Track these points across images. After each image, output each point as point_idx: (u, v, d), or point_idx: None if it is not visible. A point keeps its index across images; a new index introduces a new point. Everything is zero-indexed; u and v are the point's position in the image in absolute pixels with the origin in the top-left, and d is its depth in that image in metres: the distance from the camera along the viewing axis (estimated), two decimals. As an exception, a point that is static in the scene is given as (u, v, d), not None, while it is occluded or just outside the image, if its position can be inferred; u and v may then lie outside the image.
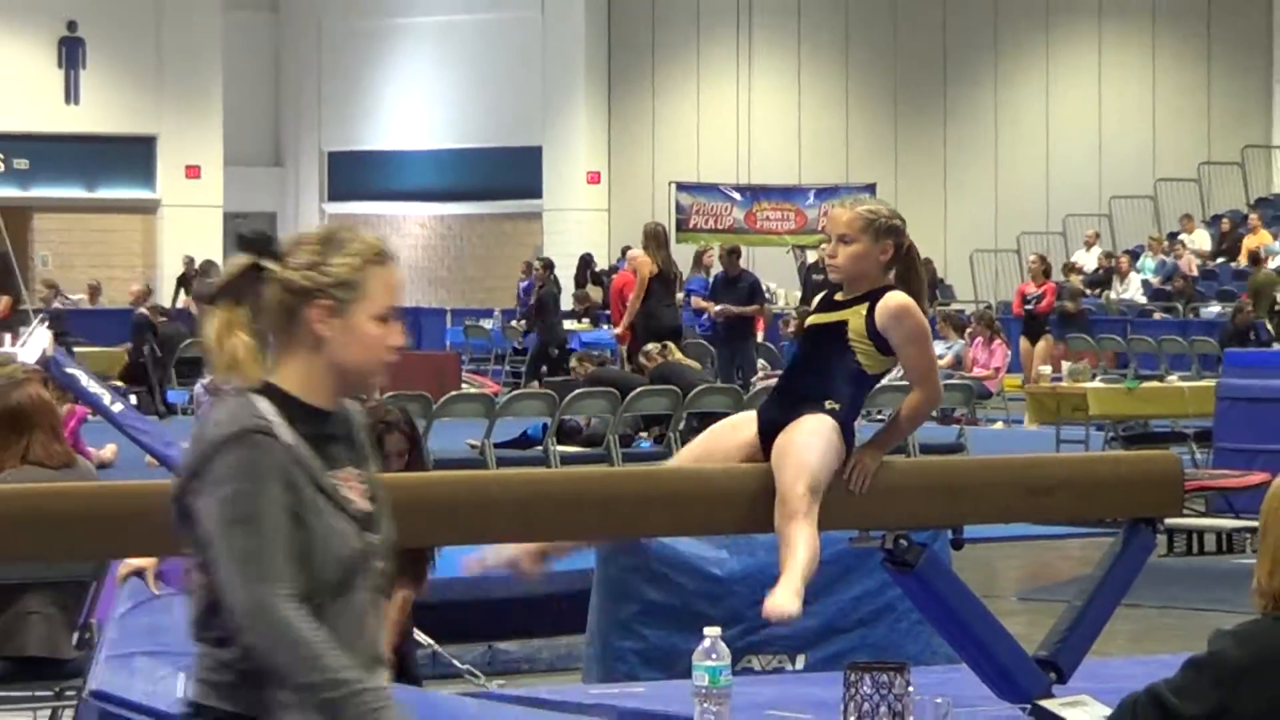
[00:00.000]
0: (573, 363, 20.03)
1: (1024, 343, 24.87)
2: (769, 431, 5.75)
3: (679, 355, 18.48)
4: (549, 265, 27.14)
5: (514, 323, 29.91)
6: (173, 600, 6.63)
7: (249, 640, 3.52)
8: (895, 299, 5.74)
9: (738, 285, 22.39)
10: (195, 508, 3.56)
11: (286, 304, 3.63)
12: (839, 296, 5.84)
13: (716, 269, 24.27)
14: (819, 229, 30.14)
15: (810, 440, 5.68)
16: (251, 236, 3.67)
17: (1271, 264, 29.57)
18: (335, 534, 3.59)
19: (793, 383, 5.91)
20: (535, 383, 23.92)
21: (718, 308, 22.05)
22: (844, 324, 5.76)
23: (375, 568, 3.67)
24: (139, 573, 6.79)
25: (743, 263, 23.99)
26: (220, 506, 3.52)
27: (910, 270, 5.85)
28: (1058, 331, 25.65)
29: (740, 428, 5.88)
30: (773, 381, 19.07)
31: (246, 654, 3.55)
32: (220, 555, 3.53)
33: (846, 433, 5.76)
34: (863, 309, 5.76)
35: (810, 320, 5.92)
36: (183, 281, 31.42)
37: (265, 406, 3.58)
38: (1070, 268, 30.69)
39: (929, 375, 5.80)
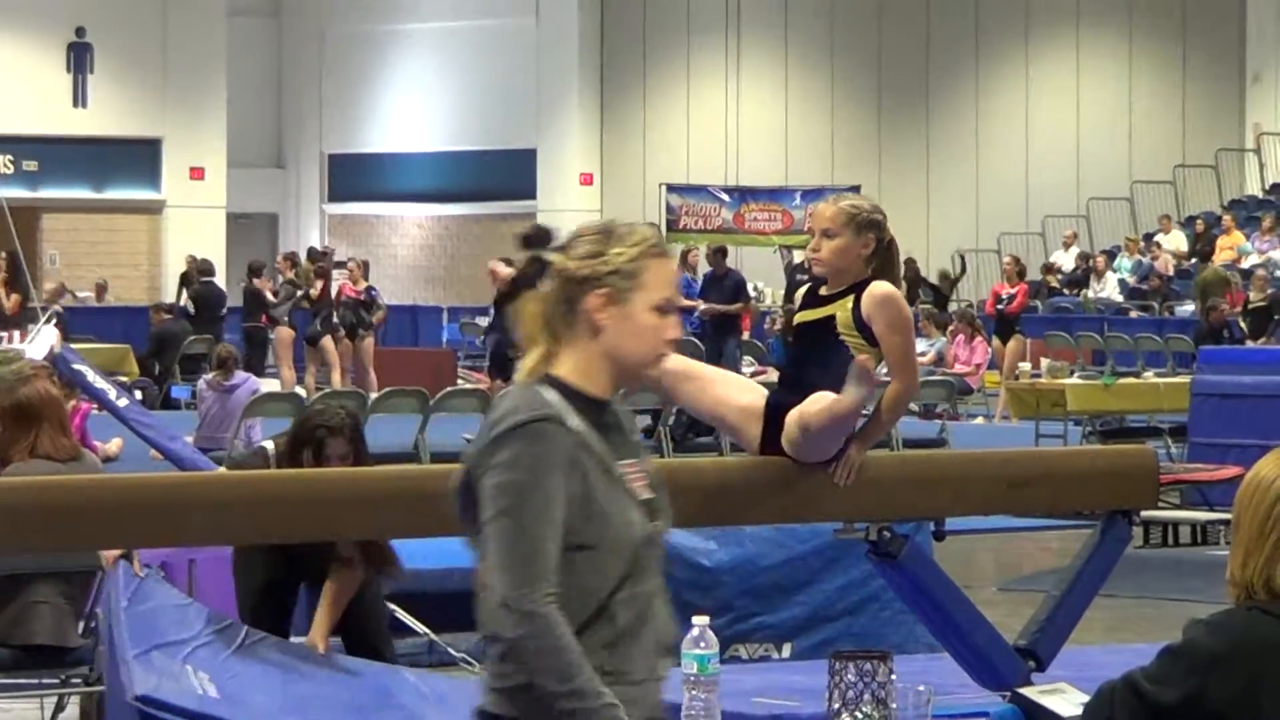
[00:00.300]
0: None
1: (996, 341, 25.05)
2: (776, 411, 5.74)
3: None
4: (510, 264, 27.16)
5: (476, 319, 29.98)
6: (155, 586, 6.71)
7: (502, 632, 3.51)
8: (881, 288, 5.75)
9: (723, 284, 22.58)
10: (480, 491, 3.55)
11: (567, 294, 3.63)
12: (823, 291, 5.85)
13: (704, 268, 24.39)
14: (805, 229, 30.27)
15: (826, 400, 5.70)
16: (531, 233, 3.71)
17: (1245, 263, 29.75)
18: (626, 520, 3.58)
19: (797, 376, 5.86)
20: (500, 381, 23.94)
21: (703, 306, 22.21)
22: (831, 318, 5.78)
23: (659, 555, 3.65)
24: (125, 555, 6.84)
25: (731, 262, 24.14)
26: (496, 494, 3.51)
27: (888, 263, 5.91)
28: (1029, 330, 25.85)
29: (748, 391, 5.86)
30: (763, 376, 19.23)
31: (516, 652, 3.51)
32: (489, 542, 3.53)
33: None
34: (848, 302, 5.78)
35: (799, 318, 5.93)
36: (185, 281, 31.50)
37: (551, 396, 3.58)
38: (1048, 269, 30.86)
39: (908, 364, 5.80)
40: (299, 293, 25.62)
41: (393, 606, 9.13)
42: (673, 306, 3.66)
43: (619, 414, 3.68)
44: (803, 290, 6.00)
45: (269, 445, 7.23)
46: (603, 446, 3.59)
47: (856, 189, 31.31)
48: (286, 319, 25.27)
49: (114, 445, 15.71)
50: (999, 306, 25.16)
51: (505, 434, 3.53)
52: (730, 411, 5.79)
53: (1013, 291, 25.27)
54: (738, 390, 5.85)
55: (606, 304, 3.63)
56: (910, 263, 31.00)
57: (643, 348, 3.65)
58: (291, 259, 28.27)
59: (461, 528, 3.62)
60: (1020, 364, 22.79)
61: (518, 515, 3.50)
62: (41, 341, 11.83)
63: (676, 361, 5.91)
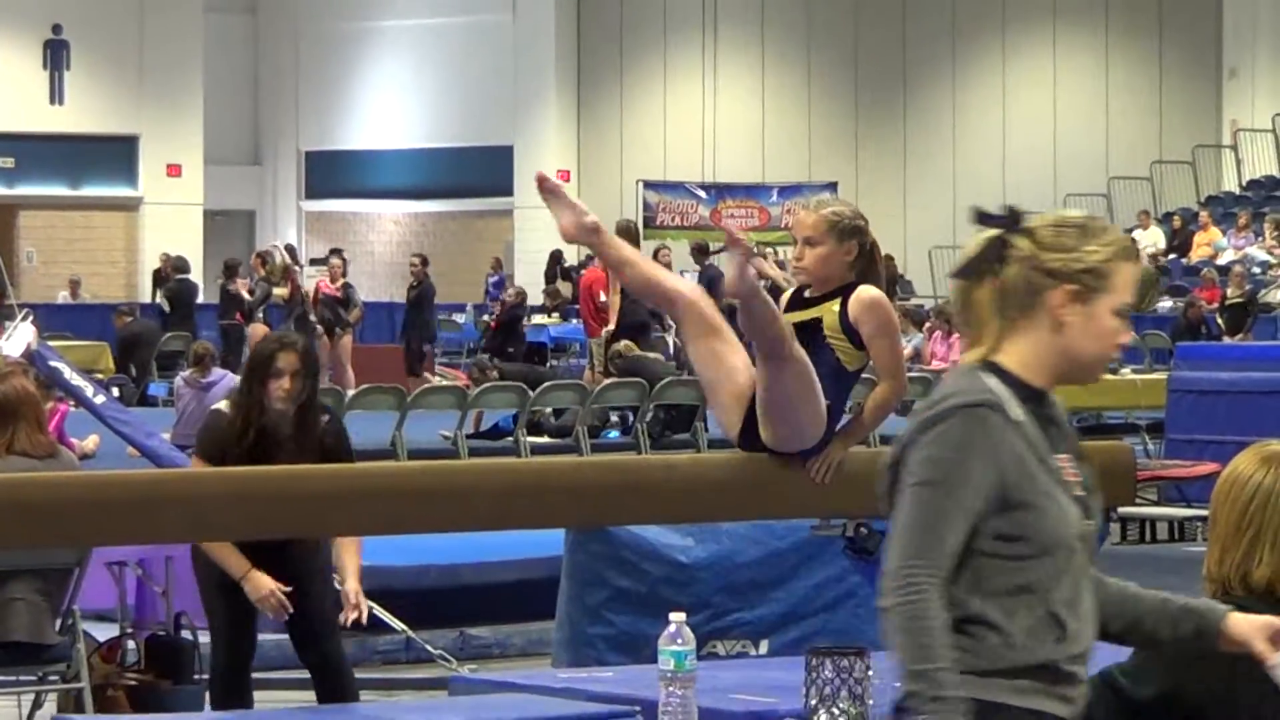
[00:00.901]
0: (476, 374, 19.84)
1: (966, 336, 25.12)
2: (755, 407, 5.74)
3: (637, 350, 18.58)
4: (425, 261, 27.15)
5: (453, 316, 30.04)
6: None
7: (882, 603, 3.47)
8: (868, 292, 5.75)
9: (699, 280, 22.70)
10: (905, 467, 3.51)
11: (1033, 284, 3.53)
12: (809, 293, 5.83)
13: (678, 266, 24.48)
14: (782, 226, 30.36)
15: None
16: (999, 213, 3.54)
17: (1221, 260, 29.83)
18: (1061, 514, 3.51)
19: None
20: (415, 377, 23.98)
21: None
22: (818, 321, 5.76)
23: (1091, 555, 3.59)
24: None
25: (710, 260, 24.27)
26: (918, 467, 3.46)
27: (871, 266, 5.92)
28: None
29: (749, 376, 5.79)
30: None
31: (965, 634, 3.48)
32: (898, 511, 3.49)
33: (830, 427, 5.78)
34: (835, 304, 5.78)
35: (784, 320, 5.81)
36: (158, 279, 31.49)
37: (994, 383, 3.51)
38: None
39: (897, 368, 5.80)
40: (274, 290, 25.65)
41: (370, 603, 9.13)
42: (1130, 311, 3.58)
43: (1056, 405, 3.59)
44: (788, 293, 5.96)
45: (223, 404, 7.21)
46: (1041, 438, 3.51)
47: (833, 186, 31.42)
48: (260, 316, 25.30)
49: (91, 442, 15.69)
50: (966, 301, 25.18)
51: (944, 413, 3.47)
52: (728, 389, 5.78)
53: (983, 287, 25.32)
54: (743, 371, 5.81)
55: (1072, 301, 3.53)
56: (888, 259, 31.09)
57: (1098, 349, 3.55)
58: (264, 257, 28.29)
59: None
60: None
61: (932, 490, 3.46)
62: (18, 339, 11.79)
63: (712, 314, 5.88)
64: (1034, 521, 3.49)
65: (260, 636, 7.17)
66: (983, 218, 3.61)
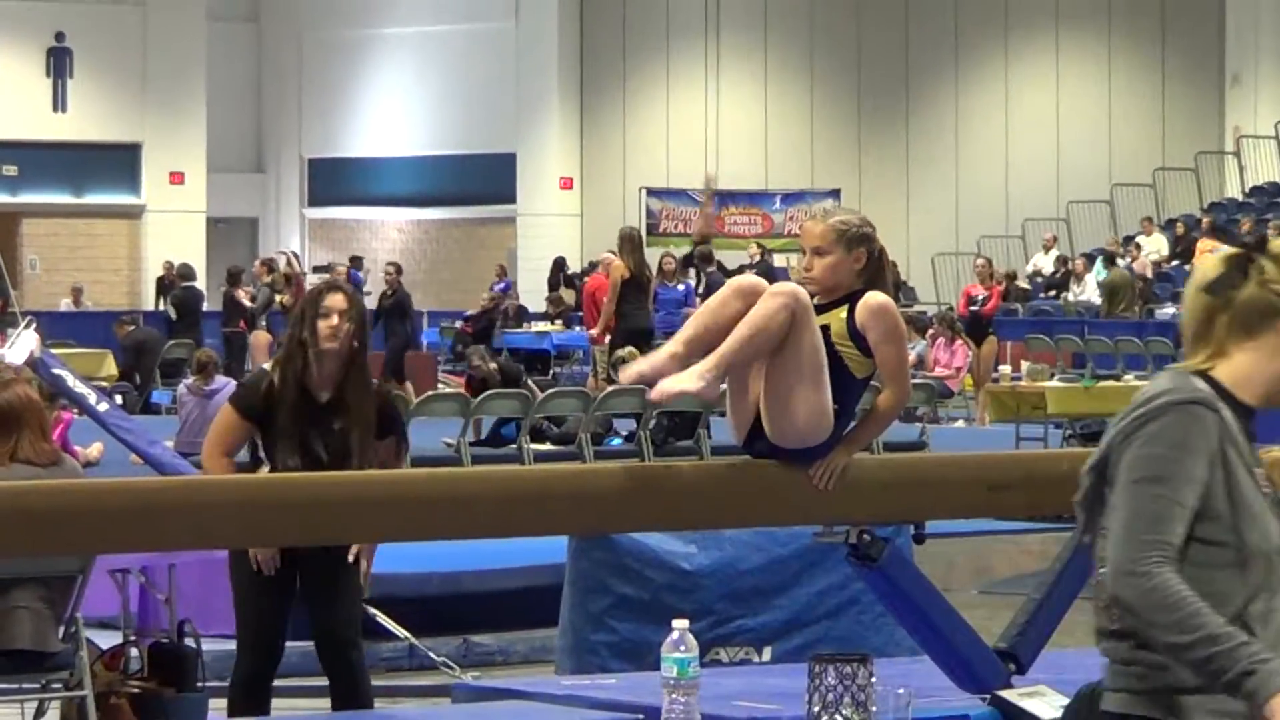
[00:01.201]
0: (476, 361, 19.86)
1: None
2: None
3: (640, 357, 18.60)
4: (399, 269, 27.11)
5: (455, 323, 30.09)
6: None
7: (1117, 596, 3.46)
8: (875, 298, 5.77)
9: (700, 287, 22.80)
10: (1117, 466, 3.52)
11: (1272, 307, 3.57)
12: (817, 301, 5.83)
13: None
14: (785, 233, 30.37)
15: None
16: (1247, 236, 3.61)
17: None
18: (1265, 524, 3.53)
19: None
20: (397, 381, 23.97)
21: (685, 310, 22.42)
22: (826, 328, 5.77)
23: None
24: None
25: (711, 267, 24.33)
26: (1135, 463, 3.49)
27: (878, 273, 5.94)
28: (1010, 333, 25.92)
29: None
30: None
31: (1138, 637, 3.47)
32: (1115, 509, 3.50)
33: (836, 433, 5.80)
34: (842, 312, 5.80)
35: None
36: (161, 287, 31.48)
37: (1204, 386, 3.54)
38: (1012, 276, 30.94)
39: (901, 374, 5.81)
40: (277, 297, 25.66)
41: (373, 611, 9.14)
42: None
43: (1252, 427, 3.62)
44: None
45: (267, 365, 7.22)
46: (1249, 447, 3.55)
47: (836, 192, 31.47)
48: (264, 323, 25.31)
49: (94, 450, 15.71)
50: (973, 308, 25.20)
51: (1158, 410, 3.50)
52: (751, 388, 5.76)
53: (985, 293, 25.35)
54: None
55: None
56: (891, 266, 31.09)
57: None
58: (268, 264, 28.28)
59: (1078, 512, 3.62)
60: (1001, 367, 22.81)
61: (1151, 487, 3.47)
62: (21, 346, 11.78)
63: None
64: (1239, 528, 3.50)
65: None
66: (1218, 233, 3.66)
